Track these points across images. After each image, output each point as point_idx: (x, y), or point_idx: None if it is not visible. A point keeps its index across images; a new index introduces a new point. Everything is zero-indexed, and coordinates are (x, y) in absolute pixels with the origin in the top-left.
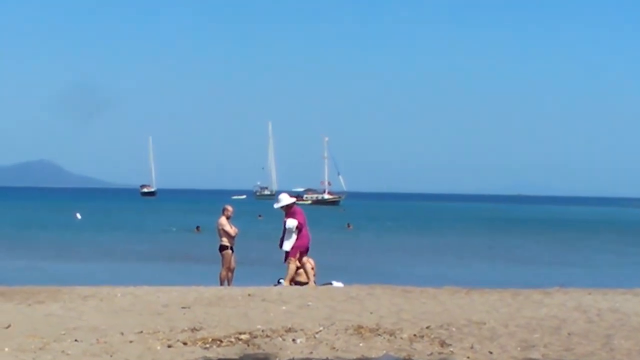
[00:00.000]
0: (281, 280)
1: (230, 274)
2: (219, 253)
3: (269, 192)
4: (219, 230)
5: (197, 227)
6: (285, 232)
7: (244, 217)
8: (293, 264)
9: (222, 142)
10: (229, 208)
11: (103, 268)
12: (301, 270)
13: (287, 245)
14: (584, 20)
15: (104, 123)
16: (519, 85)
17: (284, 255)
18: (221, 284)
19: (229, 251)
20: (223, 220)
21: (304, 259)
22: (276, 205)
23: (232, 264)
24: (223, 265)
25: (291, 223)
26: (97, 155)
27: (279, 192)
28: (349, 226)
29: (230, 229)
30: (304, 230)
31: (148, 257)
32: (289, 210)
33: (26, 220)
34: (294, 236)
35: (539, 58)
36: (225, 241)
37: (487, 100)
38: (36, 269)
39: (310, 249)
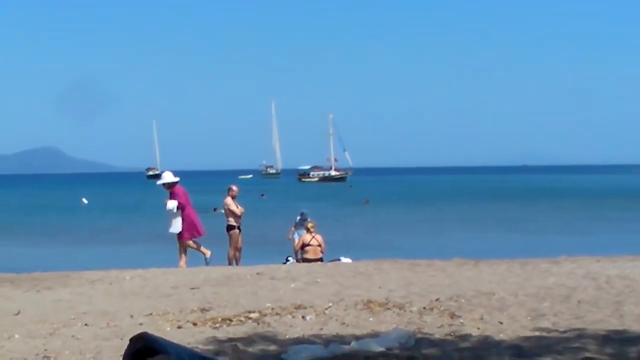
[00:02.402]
0: (289, 258)
1: (238, 253)
2: (227, 233)
3: (274, 171)
4: (225, 210)
5: (215, 209)
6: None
7: (248, 196)
8: (190, 243)
9: (227, 122)
10: (234, 188)
11: (111, 251)
12: (308, 248)
13: (175, 228)
14: None
15: (107, 108)
16: (523, 52)
17: (175, 237)
18: (229, 264)
19: (237, 231)
20: (229, 200)
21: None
22: (158, 182)
23: (240, 243)
24: (231, 245)
25: (171, 204)
26: (101, 140)
27: (284, 171)
28: (366, 201)
29: (236, 208)
30: (187, 209)
31: (156, 240)
32: (171, 189)
33: (33, 207)
34: (179, 217)
35: (547, 21)
36: (232, 221)
37: (491, 68)
38: (44, 255)
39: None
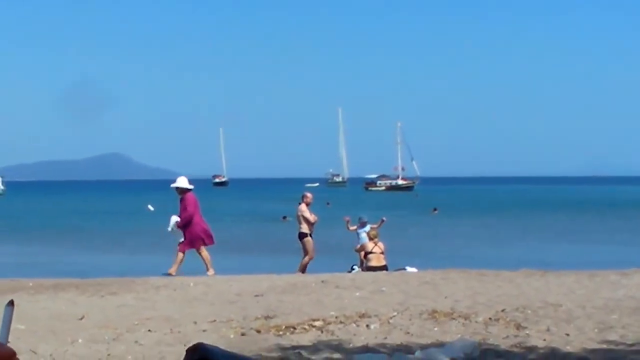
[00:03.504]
0: (355, 267)
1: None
2: (298, 240)
3: (341, 179)
4: (298, 217)
5: (285, 217)
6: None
7: (314, 204)
8: (204, 252)
9: (294, 130)
10: (309, 195)
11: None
12: (372, 256)
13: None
14: None
15: (176, 115)
16: (591, 59)
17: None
18: (303, 272)
19: (310, 238)
20: (303, 207)
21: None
22: (172, 185)
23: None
24: (307, 252)
25: (173, 221)
26: (169, 147)
27: (351, 179)
28: (434, 210)
29: (310, 216)
30: (196, 218)
31: (220, 246)
32: (183, 195)
33: (99, 213)
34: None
35: (615, 33)
36: (305, 228)
37: (559, 76)
38: (110, 261)
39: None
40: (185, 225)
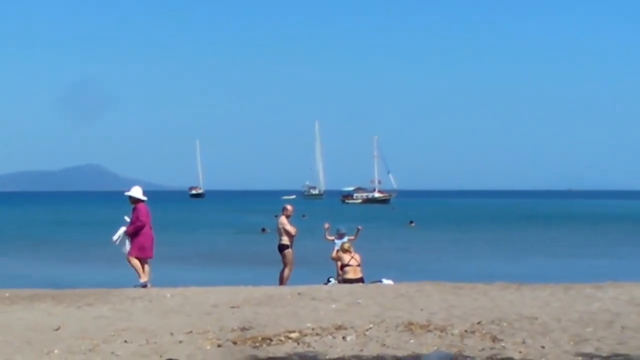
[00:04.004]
0: (331, 279)
1: (288, 273)
2: (278, 252)
3: (317, 192)
4: (279, 229)
5: (264, 229)
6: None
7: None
8: (134, 260)
9: (270, 142)
10: (289, 207)
11: (153, 269)
12: (348, 268)
13: (126, 248)
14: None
15: (151, 127)
16: (568, 73)
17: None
18: (283, 284)
19: (290, 250)
20: (283, 219)
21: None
22: (126, 193)
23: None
24: (287, 264)
25: (120, 231)
26: (146, 159)
27: (327, 192)
28: (411, 223)
29: (291, 228)
30: (145, 229)
31: (196, 257)
32: (135, 205)
33: (75, 224)
34: (128, 240)
35: (596, 46)
36: (285, 240)
37: (534, 90)
38: (86, 272)
39: (154, 249)
40: (134, 233)
